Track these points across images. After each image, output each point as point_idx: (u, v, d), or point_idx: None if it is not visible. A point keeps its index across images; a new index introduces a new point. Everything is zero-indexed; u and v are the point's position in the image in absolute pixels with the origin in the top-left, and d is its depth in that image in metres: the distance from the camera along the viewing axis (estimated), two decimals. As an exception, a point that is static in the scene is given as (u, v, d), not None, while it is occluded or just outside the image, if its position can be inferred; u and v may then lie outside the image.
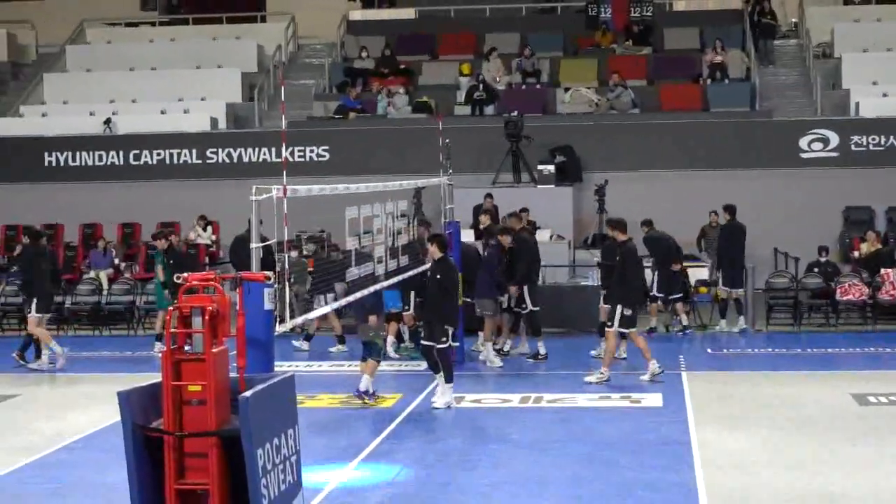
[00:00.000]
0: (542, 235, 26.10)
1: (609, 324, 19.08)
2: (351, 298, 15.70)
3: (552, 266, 25.16)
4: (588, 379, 19.04)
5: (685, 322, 24.47)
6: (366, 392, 17.49)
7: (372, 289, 16.17)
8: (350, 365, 20.98)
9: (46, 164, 32.52)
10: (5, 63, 38.08)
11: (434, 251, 17.47)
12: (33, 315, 21.63)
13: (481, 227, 22.66)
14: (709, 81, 33.24)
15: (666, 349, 22.56)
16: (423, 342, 17.62)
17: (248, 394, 10.07)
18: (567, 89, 33.12)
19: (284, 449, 10.69)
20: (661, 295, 24.01)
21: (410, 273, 18.18)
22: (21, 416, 17.64)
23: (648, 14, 35.58)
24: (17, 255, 22.61)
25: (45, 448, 15.23)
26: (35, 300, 21.64)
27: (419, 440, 15.57)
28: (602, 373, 19.01)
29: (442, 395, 17.28)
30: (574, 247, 28.02)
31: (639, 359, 19.81)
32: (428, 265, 17.98)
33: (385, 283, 16.93)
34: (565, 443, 15.14)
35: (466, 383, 18.68)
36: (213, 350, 10.21)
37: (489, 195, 27.18)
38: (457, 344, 17.92)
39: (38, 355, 21.72)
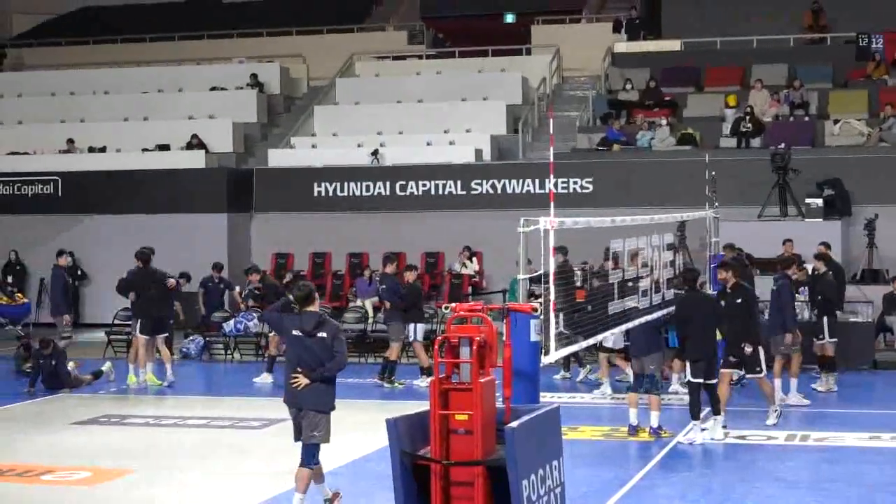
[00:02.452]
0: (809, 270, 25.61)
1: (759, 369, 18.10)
2: (616, 331, 15.63)
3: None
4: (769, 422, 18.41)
5: None
6: (659, 427, 17.42)
7: (636, 322, 16.10)
8: (612, 396, 20.91)
9: (316, 193, 33.30)
10: (278, 96, 39.17)
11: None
12: (139, 335, 22.65)
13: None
14: None
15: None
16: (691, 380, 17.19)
17: (514, 424, 10.12)
18: (836, 121, 32.43)
19: (549, 480, 10.71)
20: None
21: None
22: (288, 440, 18.00)
23: (922, 44, 34.64)
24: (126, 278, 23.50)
25: (313, 472, 15.51)
26: (140, 321, 22.62)
27: (682, 475, 15.38)
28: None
29: (712, 429, 17.23)
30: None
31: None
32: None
33: (657, 315, 16.78)
34: (834, 483, 14.76)
35: (731, 419, 18.32)
36: (481, 380, 10.30)
37: (729, 246, 25.57)
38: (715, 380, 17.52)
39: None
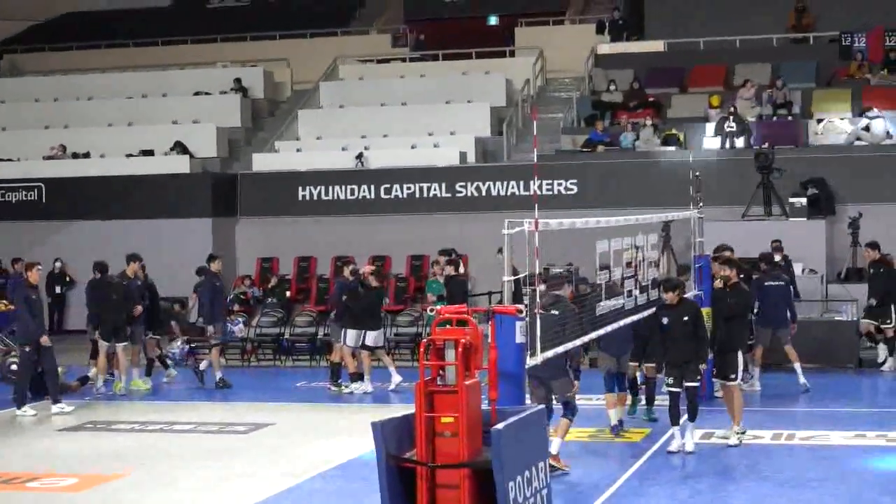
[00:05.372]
0: (794, 269, 25.81)
1: (733, 376, 17.25)
2: (601, 332, 15.61)
3: (805, 301, 24.79)
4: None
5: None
6: (620, 423, 17.36)
7: (622, 323, 16.09)
8: (598, 399, 20.90)
9: (300, 198, 33.27)
10: (262, 100, 39.13)
11: (672, 297, 16.50)
12: (101, 343, 22.89)
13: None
14: (972, 111, 32.14)
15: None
16: (669, 388, 16.54)
17: (500, 426, 10.14)
18: (820, 120, 32.48)
19: (535, 482, 10.73)
20: None
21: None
22: (277, 443, 18.06)
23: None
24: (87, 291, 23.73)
25: (301, 476, 15.53)
26: (99, 329, 22.89)
27: (670, 476, 15.39)
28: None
29: (691, 436, 16.59)
30: (827, 281, 27.41)
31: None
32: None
33: (635, 318, 16.74)
34: (823, 481, 14.79)
35: (716, 419, 18.33)
36: (466, 382, 10.30)
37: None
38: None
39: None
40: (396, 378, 22.59)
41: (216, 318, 23.90)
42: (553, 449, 15.24)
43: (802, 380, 21.46)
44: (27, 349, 20.84)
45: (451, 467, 10.28)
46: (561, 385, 15.32)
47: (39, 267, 21.54)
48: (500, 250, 12.35)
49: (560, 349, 13.72)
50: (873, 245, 24.54)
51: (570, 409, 15.67)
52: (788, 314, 22.08)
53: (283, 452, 17.30)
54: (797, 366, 21.65)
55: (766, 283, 21.84)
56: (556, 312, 14.73)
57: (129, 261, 23.72)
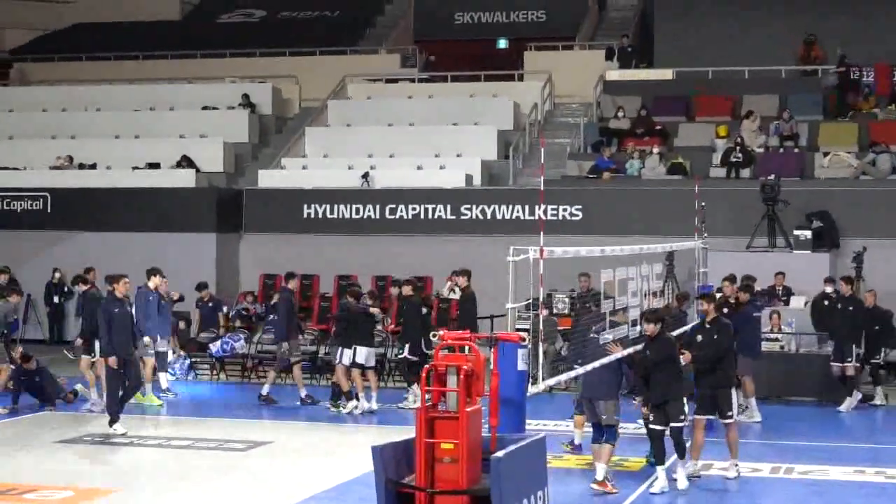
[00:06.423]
0: (797, 302, 25.80)
1: (730, 413, 16.90)
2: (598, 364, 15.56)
3: (807, 334, 24.75)
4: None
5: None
6: (605, 479, 16.41)
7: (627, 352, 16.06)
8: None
9: (305, 215, 33.26)
10: (269, 116, 39.16)
11: (651, 329, 15.91)
12: (85, 357, 22.51)
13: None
14: (978, 147, 32.12)
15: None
16: (652, 426, 16.01)
17: (500, 454, 10.12)
18: (826, 153, 32.48)
19: (534, 510, 10.70)
20: None
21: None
22: (274, 462, 18.02)
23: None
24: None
25: (296, 497, 15.47)
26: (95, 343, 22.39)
27: (668, 506, 15.39)
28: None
29: (682, 475, 16.16)
30: (829, 314, 27.34)
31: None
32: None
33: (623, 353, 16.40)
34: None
35: (715, 450, 18.25)
36: (467, 409, 10.29)
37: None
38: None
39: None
40: (364, 404, 22.44)
41: (292, 334, 23.95)
42: (599, 475, 15.56)
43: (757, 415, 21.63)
44: (111, 363, 20.21)
45: (451, 494, 10.27)
46: (607, 407, 15.56)
47: (127, 280, 20.86)
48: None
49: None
50: (849, 279, 24.45)
51: (611, 434, 15.69)
52: None
53: (280, 471, 17.26)
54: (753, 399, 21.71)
55: (753, 315, 21.71)
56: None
57: (151, 274, 23.68)
